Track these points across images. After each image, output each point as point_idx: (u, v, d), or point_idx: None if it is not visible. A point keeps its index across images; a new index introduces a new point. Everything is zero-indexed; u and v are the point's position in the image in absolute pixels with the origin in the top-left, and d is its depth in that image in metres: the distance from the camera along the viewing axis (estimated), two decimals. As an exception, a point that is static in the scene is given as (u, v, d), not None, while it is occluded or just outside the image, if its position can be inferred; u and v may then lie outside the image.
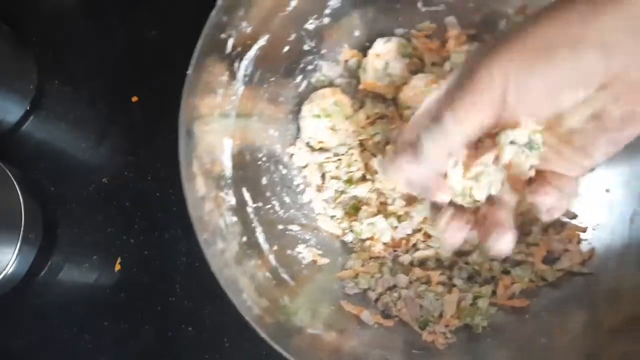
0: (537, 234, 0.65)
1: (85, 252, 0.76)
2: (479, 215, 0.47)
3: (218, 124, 0.63)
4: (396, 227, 0.68)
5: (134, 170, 0.78)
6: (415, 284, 0.66)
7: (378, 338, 0.63)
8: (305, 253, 0.68)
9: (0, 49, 0.78)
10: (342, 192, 0.71)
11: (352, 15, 0.71)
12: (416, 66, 0.72)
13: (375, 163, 0.69)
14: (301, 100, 0.72)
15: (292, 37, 0.68)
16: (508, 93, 0.37)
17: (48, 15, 0.85)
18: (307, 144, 0.72)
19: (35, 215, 0.76)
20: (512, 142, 0.41)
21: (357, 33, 0.73)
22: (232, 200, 0.63)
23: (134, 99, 0.80)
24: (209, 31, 0.58)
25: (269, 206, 0.68)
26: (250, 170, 0.67)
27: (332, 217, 0.71)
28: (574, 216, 0.65)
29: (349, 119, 0.70)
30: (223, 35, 0.60)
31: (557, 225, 0.65)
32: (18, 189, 0.73)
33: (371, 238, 0.69)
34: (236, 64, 0.63)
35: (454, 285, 0.65)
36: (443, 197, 0.46)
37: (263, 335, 0.53)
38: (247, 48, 0.63)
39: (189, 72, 0.57)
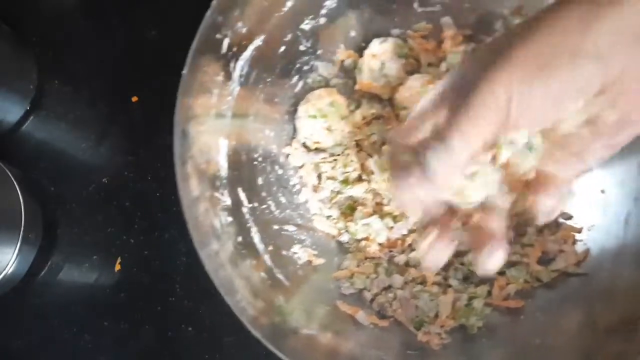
0: (532, 234, 0.65)
1: (85, 252, 0.77)
2: (471, 223, 0.46)
3: (214, 124, 0.63)
4: (392, 227, 0.68)
5: (134, 170, 0.78)
6: (411, 285, 0.66)
7: (373, 338, 0.63)
8: (301, 253, 0.68)
9: (0, 49, 0.78)
10: (338, 193, 0.71)
11: (348, 15, 0.71)
12: (412, 67, 0.72)
13: (371, 163, 0.68)
14: (297, 100, 0.72)
15: (288, 37, 0.68)
16: (511, 107, 0.37)
17: (48, 15, 0.85)
18: (303, 145, 0.72)
19: (35, 215, 0.76)
20: (510, 142, 0.41)
21: (353, 33, 0.73)
22: (227, 201, 0.63)
23: (134, 99, 0.80)
24: (204, 31, 0.58)
25: (264, 206, 0.68)
26: (246, 171, 0.67)
27: (328, 217, 0.71)
28: (569, 217, 0.65)
29: (345, 120, 0.70)
30: (218, 36, 0.60)
31: (552, 226, 0.65)
32: (18, 189, 0.73)
33: (367, 238, 0.69)
34: (232, 64, 0.63)
35: (449, 286, 0.65)
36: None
37: (258, 336, 0.53)
38: (242, 48, 0.63)
39: (184, 72, 0.57)
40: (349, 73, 0.74)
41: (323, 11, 0.69)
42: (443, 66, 0.71)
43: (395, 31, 0.73)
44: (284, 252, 0.67)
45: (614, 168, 0.62)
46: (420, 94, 0.66)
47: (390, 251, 0.68)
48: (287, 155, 0.72)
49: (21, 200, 0.73)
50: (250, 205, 0.66)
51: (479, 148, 0.40)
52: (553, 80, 0.36)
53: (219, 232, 0.60)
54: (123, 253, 0.76)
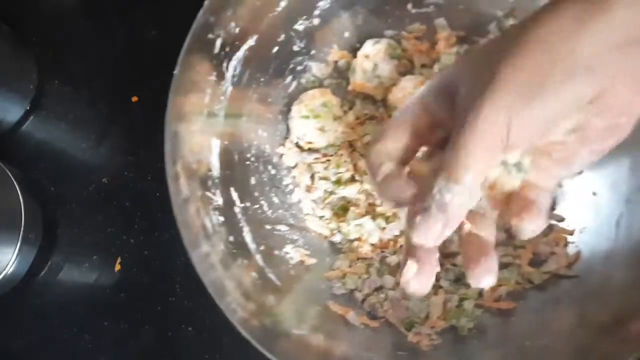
0: (523, 236, 0.65)
1: (85, 252, 0.77)
2: (462, 232, 0.46)
3: (206, 124, 0.63)
4: (384, 228, 0.68)
5: (134, 170, 0.78)
6: (402, 285, 0.66)
7: (364, 339, 0.63)
8: (293, 253, 0.68)
9: (0, 49, 0.78)
10: (331, 193, 0.71)
11: (341, 16, 0.71)
12: (405, 67, 0.72)
13: (364, 164, 0.68)
14: (290, 100, 0.72)
15: (282, 37, 0.69)
16: (511, 131, 0.37)
17: (48, 15, 0.85)
18: (296, 145, 0.72)
19: (35, 215, 0.76)
20: (502, 163, 0.40)
21: (346, 34, 0.73)
22: (219, 200, 0.63)
23: (134, 99, 0.80)
24: (197, 31, 0.59)
25: (257, 206, 0.68)
26: (238, 170, 0.67)
27: (321, 217, 0.71)
28: (561, 219, 0.64)
29: (338, 120, 0.70)
30: (211, 36, 0.60)
31: (544, 229, 0.65)
32: (18, 189, 0.73)
33: (359, 239, 0.68)
34: (225, 64, 0.63)
35: (440, 287, 0.65)
36: None
37: (249, 337, 0.53)
38: (235, 48, 0.64)
39: (176, 71, 0.57)
40: (342, 73, 0.74)
41: (316, 12, 0.69)
42: (436, 67, 0.70)
43: (389, 32, 0.73)
44: (276, 252, 0.67)
45: (606, 170, 0.62)
46: (413, 95, 0.66)
47: (383, 252, 0.68)
48: (280, 155, 0.73)
49: (21, 200, 0.73)
50: (243, 205, 0.66)
51: (485, 174, 0.39)
52: (548, 100, 0.36)
53: (210, 231, 0.60)
54: (123, 253, 0.76)
